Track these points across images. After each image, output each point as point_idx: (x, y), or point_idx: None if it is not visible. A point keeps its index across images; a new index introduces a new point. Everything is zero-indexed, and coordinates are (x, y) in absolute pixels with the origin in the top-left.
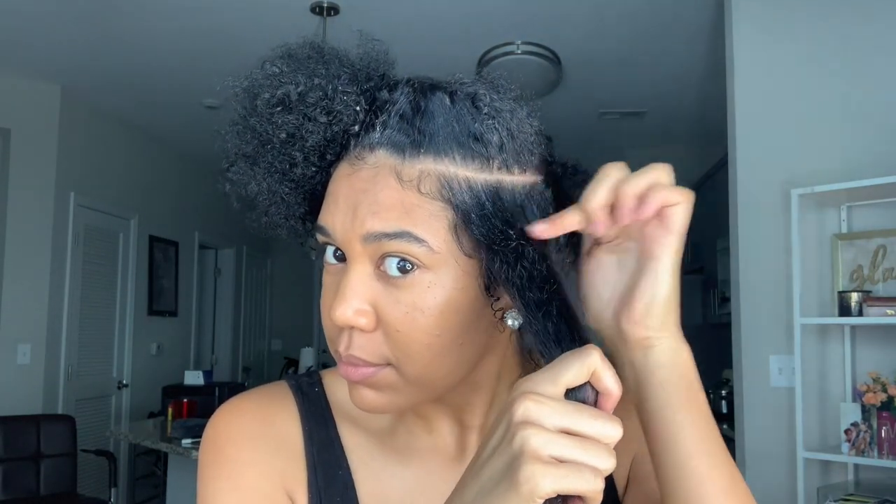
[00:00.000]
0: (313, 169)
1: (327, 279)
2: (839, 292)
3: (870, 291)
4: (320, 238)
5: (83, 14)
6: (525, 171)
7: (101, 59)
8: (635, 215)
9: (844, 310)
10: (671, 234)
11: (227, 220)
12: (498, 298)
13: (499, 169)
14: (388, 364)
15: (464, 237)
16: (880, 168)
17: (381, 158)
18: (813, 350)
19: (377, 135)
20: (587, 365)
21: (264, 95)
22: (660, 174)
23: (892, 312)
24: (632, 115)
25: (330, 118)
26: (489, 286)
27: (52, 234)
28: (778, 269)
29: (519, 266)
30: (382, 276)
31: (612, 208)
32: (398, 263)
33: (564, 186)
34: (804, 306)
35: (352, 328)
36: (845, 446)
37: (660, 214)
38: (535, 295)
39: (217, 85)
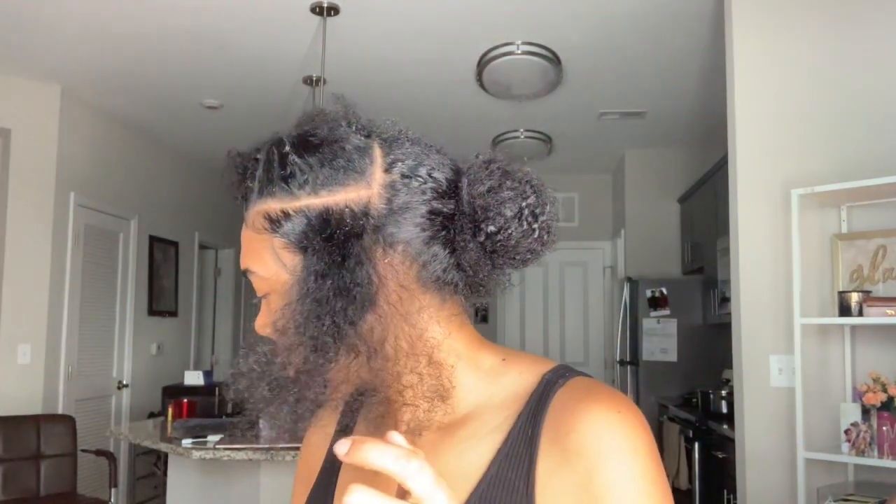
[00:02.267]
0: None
1: None
2: (839, 292)
3: (870, 291)
4: None
5: (83, 14)
6: (335, 194)
7: (101, 59)
8: None
9: (844, 310)
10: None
11: (227, 220)
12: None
13: (308, 195)
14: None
15: (285, 257)
16: (880, 168)
17: (246, 211)
18: (813, 350)
19: (239, 193)
20: None
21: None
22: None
23: (892, 312)
24: (632, 115)
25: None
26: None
27: (52, 234)
28: (778, 269)
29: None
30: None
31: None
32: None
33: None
34: (804, 306)
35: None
36: (845, 446)
37: None
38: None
39: (217, 85)
